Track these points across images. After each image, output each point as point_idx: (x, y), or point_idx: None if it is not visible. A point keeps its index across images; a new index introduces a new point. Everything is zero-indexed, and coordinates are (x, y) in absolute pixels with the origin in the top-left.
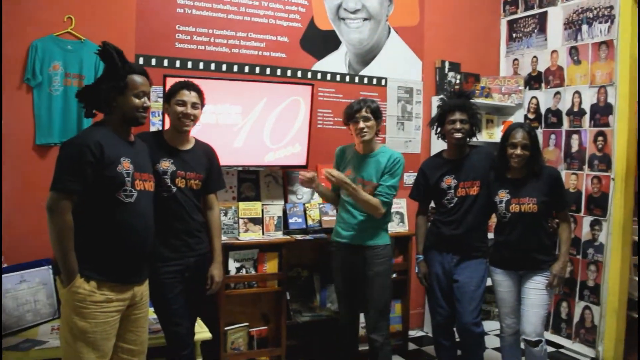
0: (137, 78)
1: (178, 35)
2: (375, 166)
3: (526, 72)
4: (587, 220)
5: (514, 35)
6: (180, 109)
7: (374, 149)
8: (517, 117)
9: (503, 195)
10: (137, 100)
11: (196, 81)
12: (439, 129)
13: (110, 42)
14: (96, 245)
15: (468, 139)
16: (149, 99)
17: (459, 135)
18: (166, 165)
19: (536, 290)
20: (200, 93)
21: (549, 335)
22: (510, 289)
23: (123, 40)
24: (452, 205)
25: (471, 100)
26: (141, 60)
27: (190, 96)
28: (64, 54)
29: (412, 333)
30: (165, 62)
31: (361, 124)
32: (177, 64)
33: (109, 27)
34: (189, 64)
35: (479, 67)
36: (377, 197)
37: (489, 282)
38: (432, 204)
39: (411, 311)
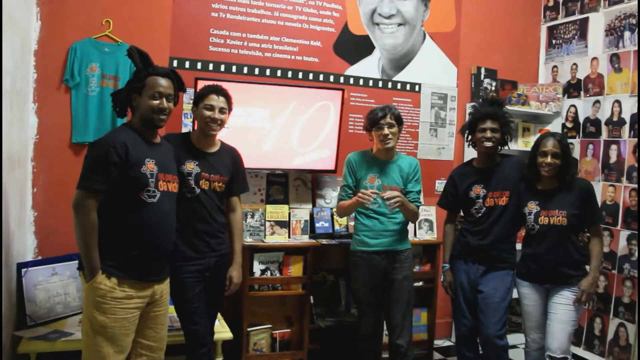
0: (158, 79)
1: (212, 39)
2: (398, 172)
3: (565, 79)
4: (623, 234)
5: (553, 41)
6: (208, 113)
7: (394, 155)
8: (555, 126)
9: (532, 206)
10: (152, 102)
11: (226, 84)
12: (469, 137)
13: (146, 45)
14: (118, 243)
15: (499, 148)
16: (170, 101)
17: (489, 144)
18: (191, 167)
19: (563, 305)
20: (228, 98)
21: (580, 352)
22: (537, 303)
23: (158, 43)
24: (480, 215)
25: (504, 109)
26: (175, 63)
27: (218, 101)
28: (101, 56)
29: (439, 342)
30: (199, 65)
31: (386, 131)
32: (210, 67)
33: (145, 31)
34: (222, 67)
35: (516, 74)
36: (413, 204)
37: (515, 294)
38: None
39: (438, 320)
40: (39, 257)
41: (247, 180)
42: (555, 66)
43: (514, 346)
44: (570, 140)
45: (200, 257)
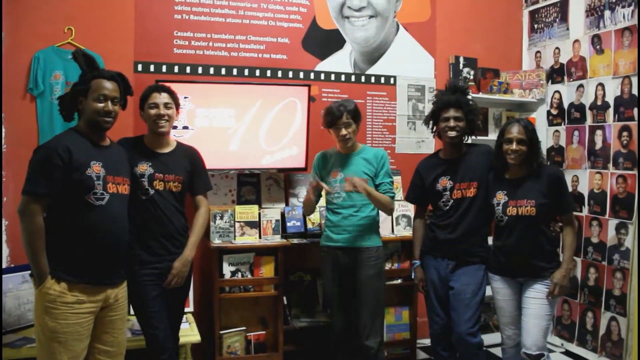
0: (103, 82)
1: (176, 41)
2: (364, 163)
3: (548, 65)
4: (612, 223)
5: (535, 26)
6: (153, 111)
7: (356, 147)
8: (540, 113)
9: (500, 197)
10: (97, 104)
11: (186, 85)
12: (434, 128)
13: (109, 50)
14: (67, 247)
15: (466, 138)
16: (116, 104)
17: (452, 133)
18: (144, 168)
19: (536, 299)
20: (172, 93)
21: (573, 348)
22: (510, 298)
23: (121, 48)
24: (447, 207)
25: (468, 96)
26: (140, 67)
27: (161, 97)
28: (64, 63)
29: (423, 342)
30: (164, 68)
31: (343, 131)
32: (176, 69)
33: (107, 36)
34: (188, 69)
35: (498, 62)
36: (384, 194)
37: (489, 290)
38: None
39: (420, 319)
40: (12, 265)
41: (209, 179)
42: (538, 52)
43: (483, 345)
44: (555, 128)
45: (158, 260)
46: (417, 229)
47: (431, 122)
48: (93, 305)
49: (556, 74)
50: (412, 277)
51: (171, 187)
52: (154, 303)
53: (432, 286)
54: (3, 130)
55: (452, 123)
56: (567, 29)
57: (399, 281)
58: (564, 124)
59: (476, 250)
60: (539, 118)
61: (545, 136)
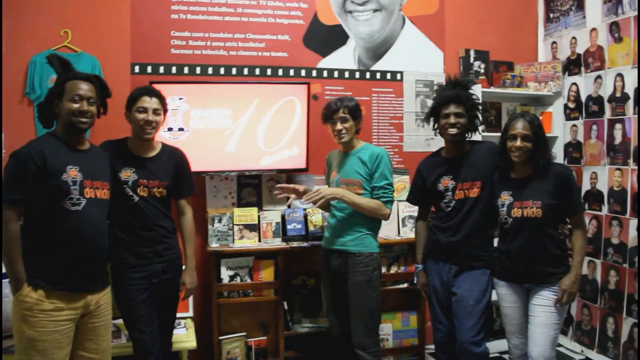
0: (77, 83)
1: (173, 41)
2: (358, 163)
3: (565, 55)
4: (633, 223)
5: (551, 15)
6: (141, 116)
7: (355, 147)
8: (557, 107)
9: (505, 197)
10: (72, 104)
11: (181, 86)
12: (435, 125)
13: (106, 52)
14: (44, 254)
15: (469, 134)
16: (92, 105)
17: (453, 130)
18: (127, 174)
19: (543, 307)
20: (162, 98)
21: (594, 355)
22: (516, 305)
23: (118, 49)
24: (450, 209)
25: (469, 90)
26: (137, 69)
27: (151, 102)
28: None
29: (431, 347)
30: (161, 69)
31: (338, 126)
32: (174, 70)
33: (104, 38)
34: (186, 70)
35: (512, 54)
36: (376, 198)
37: (495, 296)
38: None
39: (428, 324)
40: None
41: (193, 182)
42: (554, 42)
43: (488, 354)
44: (573, 122)
45: (146, 263)
46: (420, 232)
47: (432, 119)
48: (72, 313)
49: (573, 65)
50: (415, 282)
51: (155, 193)
52: (141, 307)
53: (434, 292)
54: (2, 135)
55: (452, 119)
56: (584, 17)
57: (406, 285)
58: (582, 118)
59: (480, 254)
60: (556, 112)
61: (563, 131)
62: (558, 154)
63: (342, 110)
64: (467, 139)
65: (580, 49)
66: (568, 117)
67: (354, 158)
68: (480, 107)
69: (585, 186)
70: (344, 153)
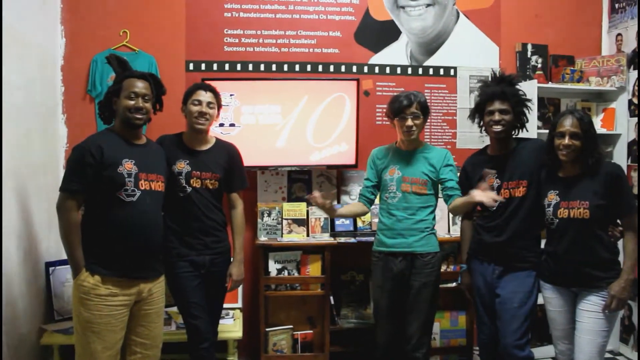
0: (133, 81)
1: (226, 39)
2: (425, 163)
3: (631, 48)
4: None
5: (616, 5)
6: (195, 108)
7: (420, 145)
8: (620, 103)
9: (552, 197)
10: (128, 102)
11: (232, 83)
12: (481, 122)
13: (161, 50)
14: (100, 241)
15: (517, 132)
16: (147, 102)
17: (498, 127)
18: (181, 166)
19: (591, 313)
20: (216, 94)
21: None
22: (562, 309)
23: (173, 48)
24: (494, 208)
25: (515, 86)
26: (191, 66)
27: (205, 96)
28: None
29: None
30: (215, 66)
31: (409, 122)
32: (226, 67)
33: (160, 37)
34: (238, 67)
35: (573, 48)
36: (453, 197)
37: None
38: None
39: None
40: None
41: (245, 176)
42: (619, 34)
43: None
44: (637, 119)
45: (195, 254)
46: (465, 231)
47: (477, 116)
48: (126, 299)
49: (638, 58)
50: (459, 282)
51: (208, 185)
52: (193, 294)
53: (478, 293)
54: (66, 130)
55: (497, 116)
56: None
57: (454, 284)
58: None
59: (525, 255)
60: (619, 108)
61: (627, 128)
62: (621, 153)
63: (415, 106)
64: (514, 136)
65: None
66: (632, 114)
67: (419, 157)
68: (527, 104)
69: None
70: (407, 151)
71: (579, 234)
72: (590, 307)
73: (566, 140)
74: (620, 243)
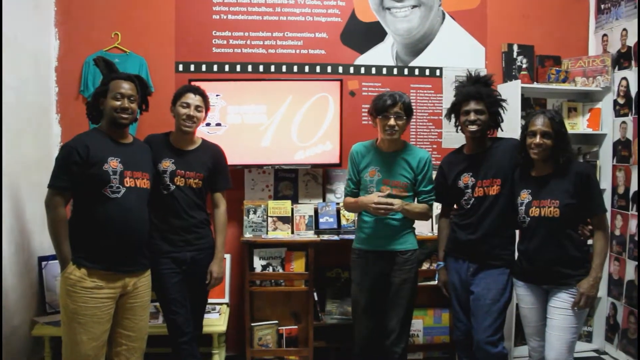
0: (120, 82)
1: (215, 41)
2: (405, 166)
3: (616, 49)
4: None
5: (602, 6)
6: (184, 110)
7: (400, 146)
8: (606, 103)
9: (525, 196)
10: (114, 102)
11: (218, 84)
12: (457, 122)
13: (152, 51)
14: (86, 236)
15: (492, 131)
16: (133, 102)
17: (473, 127)
18: (166, 164)
19: (561, 310)
20: (204, 97)
21: None
22: (534, 306)
23: (163, 49)
24: (469, 206)
25: (490, 87)
26: (180, 67)
27: (194, 99)
28: None
29: None
30: (203, 67)
31: (392, 121)
32: (215, 68)
33: (150, 39)
34: (226, 67)
35: (560, 48)
36: (424, 202)
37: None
38: None
39: None
40: None
41: (229, 177)
42: (605, 35)
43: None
44: (623, 119)
45: (177, 251)
46: (442, 229)
47: (453, 115)
48: (111, 292)
49: (623, 58)
50: (436, 279)
51: (191, 184)
52: (173, 290)
53: (454, 290)
54: (60, 129)
55: (472, 116)
56: (635, 6)
57: (435, 282)
58: (632, 115)
59: (499, 253)
60: (605, 108)
61: (612, 128)
62: (607, 153)
63: (399, 106)
64: (489, 136)
65: (631, 42)
66: (618, 114)
67: (399, 159)
68: (502, 104)
69: (634, 187)
70: (386, 152)
71: (550, 232)
72: (560, 304)
73: (537, 139)
74: (590, 241)
